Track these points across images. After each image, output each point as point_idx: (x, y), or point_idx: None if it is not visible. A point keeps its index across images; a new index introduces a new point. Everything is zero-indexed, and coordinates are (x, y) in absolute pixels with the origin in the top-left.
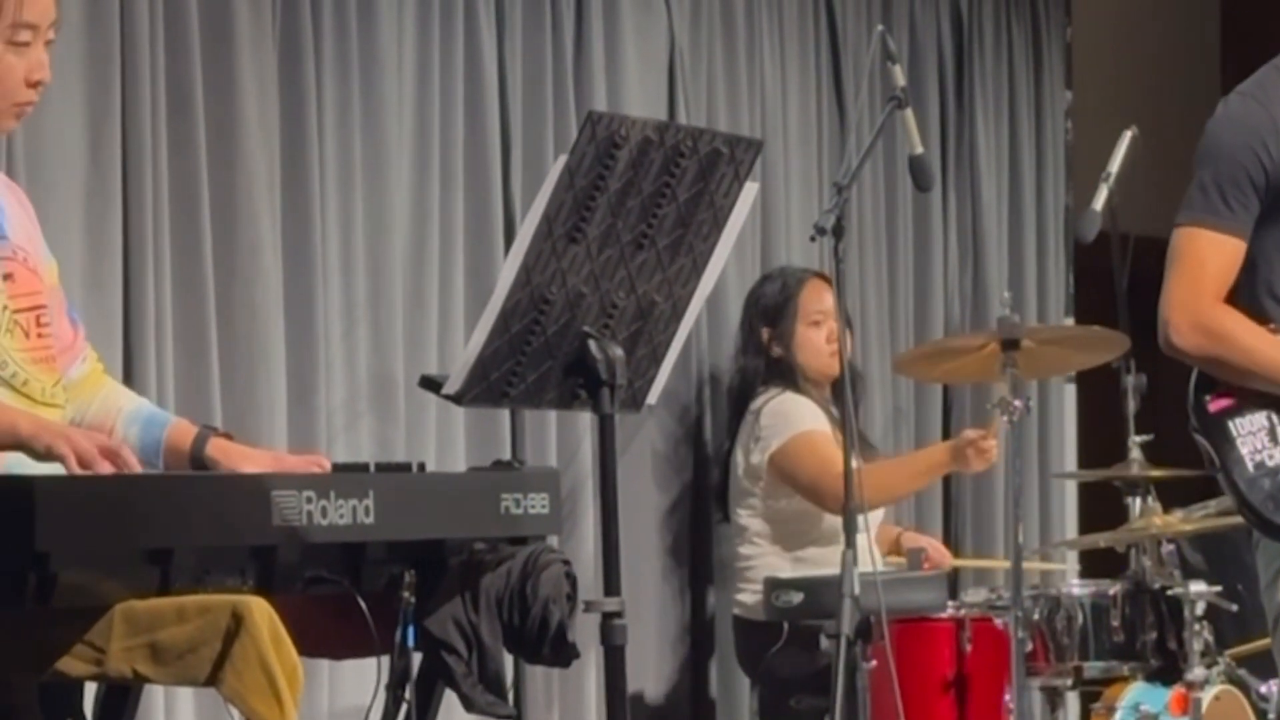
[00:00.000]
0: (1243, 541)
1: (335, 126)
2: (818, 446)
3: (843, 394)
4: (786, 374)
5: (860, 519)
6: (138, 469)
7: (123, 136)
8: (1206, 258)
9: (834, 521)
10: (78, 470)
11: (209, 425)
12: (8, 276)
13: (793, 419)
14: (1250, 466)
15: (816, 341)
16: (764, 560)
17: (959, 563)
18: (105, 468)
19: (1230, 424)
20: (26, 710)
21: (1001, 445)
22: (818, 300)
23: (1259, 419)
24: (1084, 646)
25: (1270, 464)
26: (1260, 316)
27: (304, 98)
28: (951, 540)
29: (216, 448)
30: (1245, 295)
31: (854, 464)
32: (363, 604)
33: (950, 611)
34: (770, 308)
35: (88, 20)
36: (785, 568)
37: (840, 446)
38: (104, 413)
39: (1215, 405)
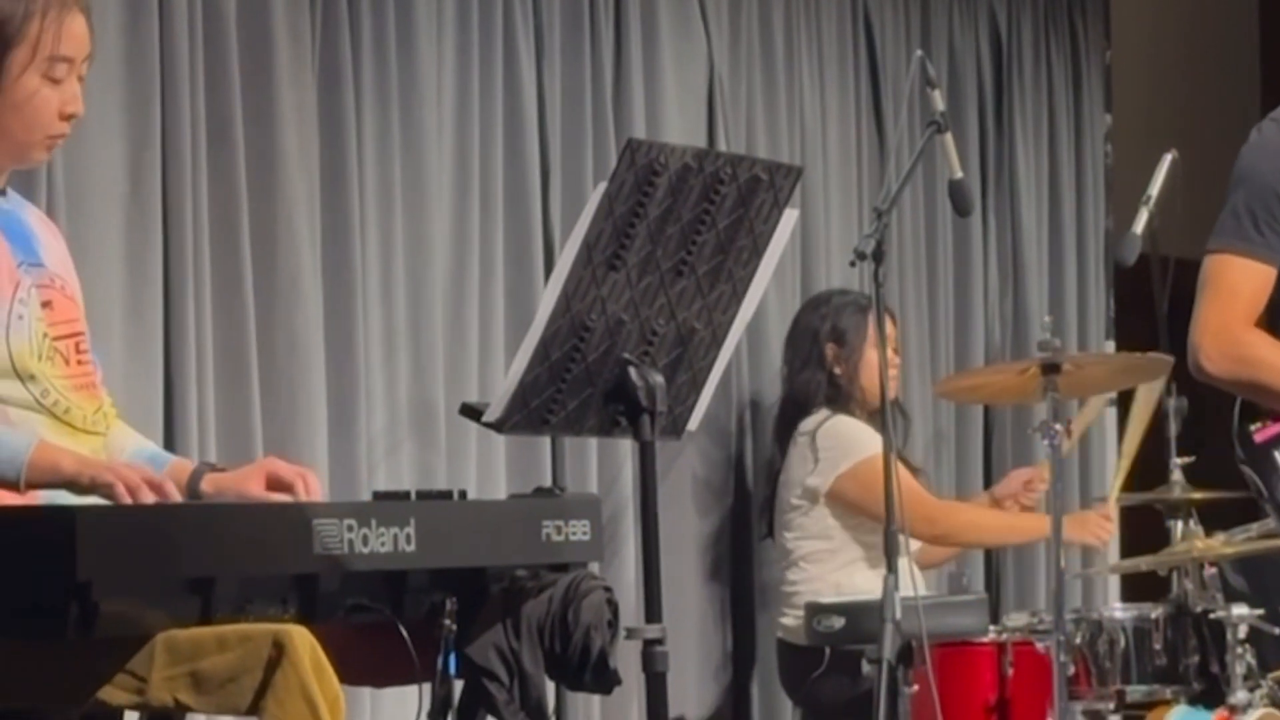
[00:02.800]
0: None
1: (375, 155)
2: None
3: (884, 418)
4: (843, 393)
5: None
6: (178, 498)
7: (163, 167)
8: (1237, 284)
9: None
10: (126, 501)
11: (206, 461)
12: (46, 304)
13: (857, 444)
14: None
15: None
16: (810, 585)
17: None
18: (150, 498)
19: (1277, 454)
20: None
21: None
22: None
23: None
24: (1126, 670)
25: None
26: None
27: (343, 127)
28: (992, 561)
29: (210, 482)
30: (1277, 321)
31: (894, 487)
32: (404, 632)
33: (992, 635)
34: (839, 327)
35: (127, 52)
36: (831, 592)
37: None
38: (110, 451)
39: (1261, 435)
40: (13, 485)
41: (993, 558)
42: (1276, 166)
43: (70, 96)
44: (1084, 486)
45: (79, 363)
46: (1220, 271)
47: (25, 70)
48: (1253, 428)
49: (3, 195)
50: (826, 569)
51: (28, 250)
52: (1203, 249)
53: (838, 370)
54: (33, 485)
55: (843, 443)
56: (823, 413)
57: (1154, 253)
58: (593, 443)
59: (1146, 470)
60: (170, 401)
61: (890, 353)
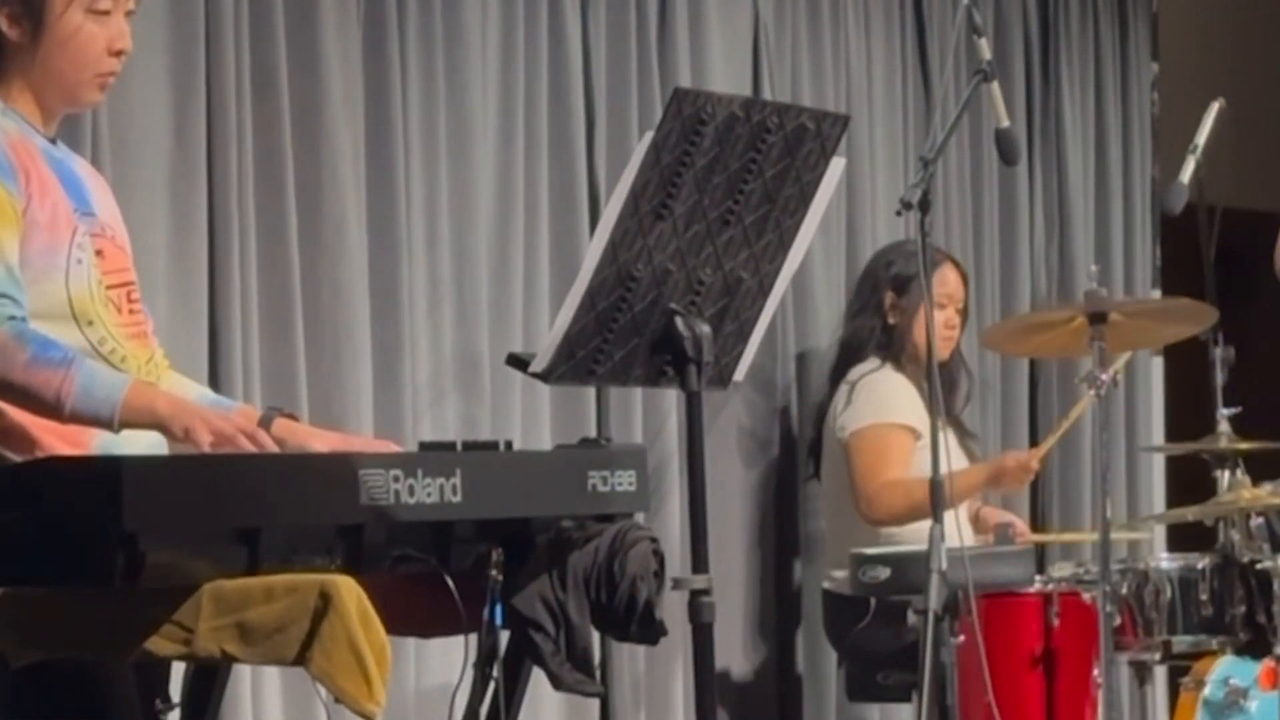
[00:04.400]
0: None
1: (420, 103)
2: (880, 447)
3: (931, 377)
4: (895, 345)
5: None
6: (274, 449)
7: (207, 115)
8: None
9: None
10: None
11: (274, 407)
12: (99, 253)
13: (879, 403)
14: None
15: (936, 322)
16: (853, 536)
17: (1038, 538)
18: (246, 445)
19: None
20: (122, 690)
21: (1089, 419)
22: (945, 284)
23: None
24: (1172, 620)
25: None
26: None
27: (388, 74)
28: (1038, 515)
29: (282, 428)
30: None
31: (941, 438)
32: (450, 582)
33: (1038, 586)
34: (902, 275)
35: (173, 1)
36: (874, 541)
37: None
38: None
39: None
40: (106, 424)
41: (1039, 508)
42: None
43: (117, 32)
44: (1130, 436)
45: (131, 312)
46: None
47: (69, 5)
48: None
49: (54, 144)
50: (855, 519)
51: (80, 199)
52: (1250, 197)
53: (892, 320)
54: (126, 425)
55: (871, 400)
56: (873, 362)
57: (1201, 202)
58: (638, 393)
59: (1193, 420)
60: (215, 351)
61: (952, 313)
